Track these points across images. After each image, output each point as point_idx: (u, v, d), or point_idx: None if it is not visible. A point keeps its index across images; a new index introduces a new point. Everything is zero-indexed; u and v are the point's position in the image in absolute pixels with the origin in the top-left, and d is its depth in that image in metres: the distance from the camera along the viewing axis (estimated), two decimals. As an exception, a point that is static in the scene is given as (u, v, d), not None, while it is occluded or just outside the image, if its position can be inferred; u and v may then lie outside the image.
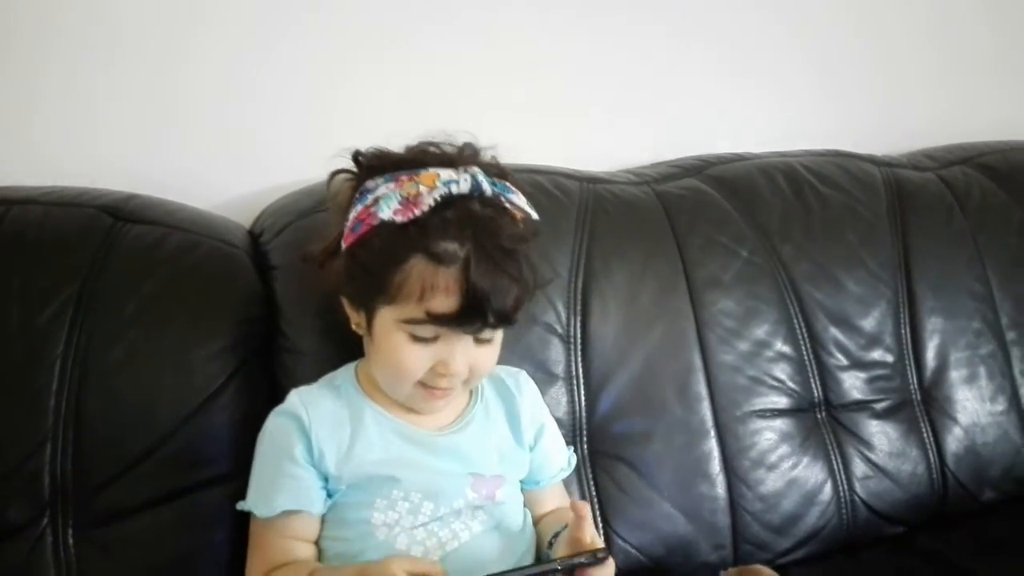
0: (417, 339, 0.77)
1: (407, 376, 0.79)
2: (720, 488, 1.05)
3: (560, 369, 1.02)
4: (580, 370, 1.02)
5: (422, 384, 0.79)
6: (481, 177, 0.77)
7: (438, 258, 0.74)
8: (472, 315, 0.75)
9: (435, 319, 0.75)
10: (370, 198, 0.78)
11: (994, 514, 1.19)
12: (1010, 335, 1.24)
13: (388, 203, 0.76)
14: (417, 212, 0.75)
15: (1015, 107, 1.55)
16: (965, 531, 1.15)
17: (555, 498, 0.93)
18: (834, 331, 1.15)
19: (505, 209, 0.79)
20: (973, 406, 1.20)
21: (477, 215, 0.76)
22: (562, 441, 0.94)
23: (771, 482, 1.08)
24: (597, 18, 1.25)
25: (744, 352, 1.10)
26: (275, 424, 0.82)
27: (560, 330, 1.02)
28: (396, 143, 0.83)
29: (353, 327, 0.83)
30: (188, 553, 0.85)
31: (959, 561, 1.08)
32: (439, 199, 0.75)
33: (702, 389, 1.06)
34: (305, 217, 0.99)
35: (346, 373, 0.86)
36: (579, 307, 1.03)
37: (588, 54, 1.26)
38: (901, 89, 1.47)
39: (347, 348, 0.88)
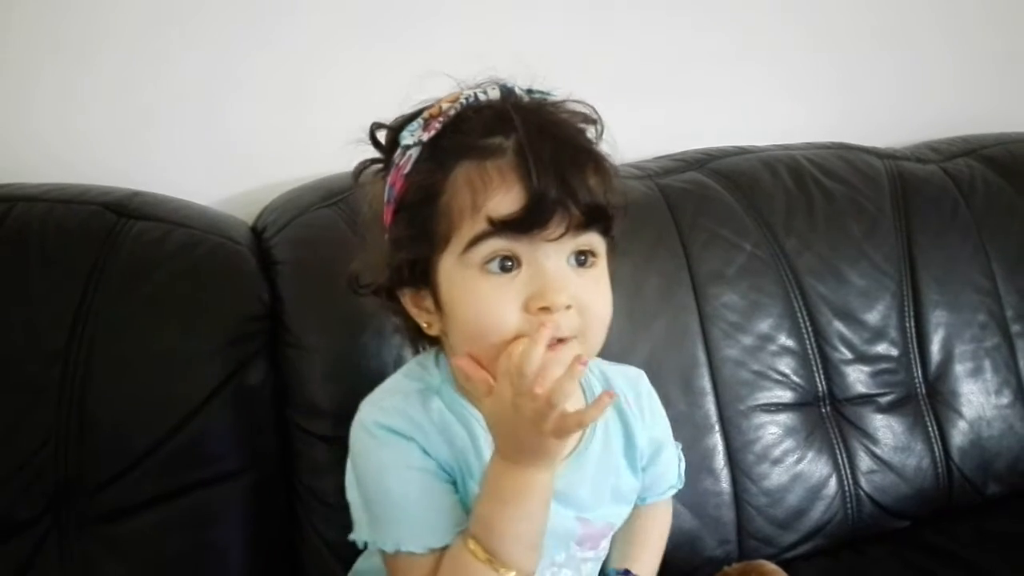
0: (492, 272, 0.59)
1: (497, 328, 0.59)
2: (724, 483, 1.05)
3: (564, 364, 1.02)
4: (584, 365, 1.02)
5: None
6: (513, 84, 0.64)
7: (482, 152, 0.59)
8: (545, 207, 0.57)
9: (500, 226, 0.58)
10: (397, 159, 0.65)
11: (999, 508, 1.18)
12: (1015, 328, 1.24)
13: (411, 131, 0.63)
14: (442, 120, 0.62)
15: (1019, 100, 1.55)
16: (970, 525, 1.15)
17: (663, 515, 0.82)
18: (838, 325, 1.15)
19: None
20: (978, 399, 1.19)
21: (518, 103, 0.62)
22: (675, 454, 0.81)
23: (776, 477, 1.07)
24: (597, 10, 1.25)
25: (748, 346, 1.09)
26: (388, 441, 0.63)
27: (563, 325, 1.02)
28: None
29: (424, 328, 0.67)
30: (193, 550, 0.85)
31: (965, 555, 1.07)
32: (466, 102, 0.62)
33: (706, 383, 1.06)
34: (308, 212, 0.99)
35: (441, 372, 0.68)
36: (582, 302, 1.03)
37: (588, 48, 1.25)
38: (904, 80, 1.47)
39: (353, 344, 0.89)
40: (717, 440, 1.06)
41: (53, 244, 0.88)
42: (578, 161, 0.60)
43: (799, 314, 1.13)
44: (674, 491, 0.81)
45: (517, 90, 0.64)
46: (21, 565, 0.81)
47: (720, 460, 1.05)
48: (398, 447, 0.63)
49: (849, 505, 1.11)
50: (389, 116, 0.72)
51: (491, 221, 0.58)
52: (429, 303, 0.65)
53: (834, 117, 1.40)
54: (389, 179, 0.66)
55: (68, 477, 0.83)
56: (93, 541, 0.83)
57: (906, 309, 1.19)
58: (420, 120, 0.64)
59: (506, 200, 0.58)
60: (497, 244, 0.59)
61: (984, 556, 1.07)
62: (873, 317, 1.17)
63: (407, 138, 0.63)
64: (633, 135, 1.26)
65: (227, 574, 0.85)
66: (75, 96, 1.03)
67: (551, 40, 1.23)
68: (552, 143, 0.59)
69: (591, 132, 0.65)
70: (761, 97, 1.37)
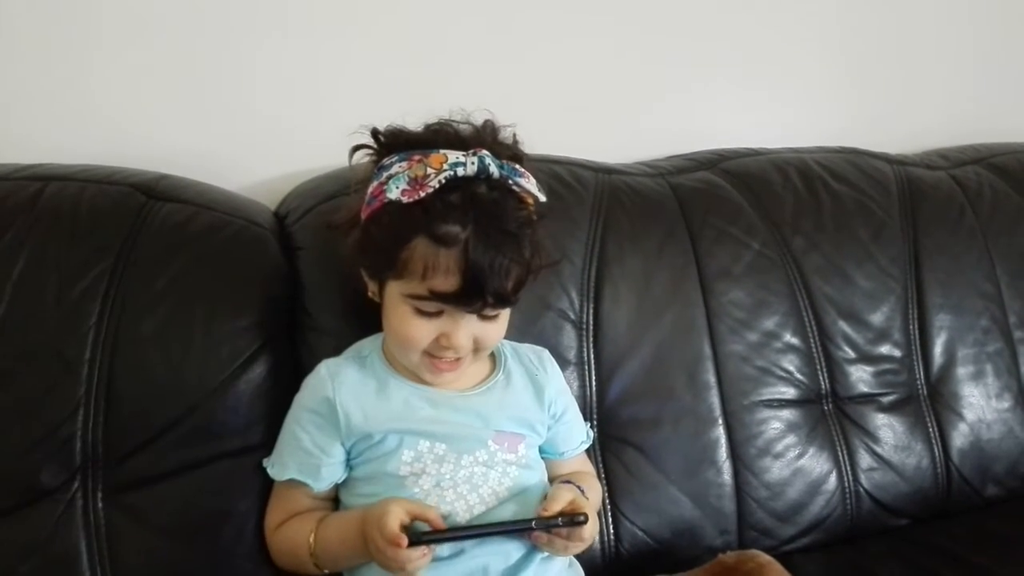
0: (422, 313, 0.81)
1: (412, 346, 0.82)
2: (726, 475, 1.07)
3: (572, 354, 1.04)
4: (592, 355, 1.05)
5: (428, 354, 0.83)
6: (489, 160, 0.79)
7: (440, 239, 0.77)
8: (471, 295, 0.78)
9: (437, 297, 0.79)
10: (384, 175, 0.81)
11: (997, 510, 1.20)
12: (1018, 334, 1.26)
13: (397, 184, 0.79)
14: (422, 194, 0.78)
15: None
16: (969, 525, 1.16)
17: (578, 466, 0.96)
18: (843, 324, 1.17)
19: (511, 192, 0.81)
20: (979, 402, 1.21)
21: (481, 198, 0.79)
22: (581, 418, 0.98)
23: (777, 471, 1.10)
24: (617, 12, 1.27)
25: (753, 342, 1.11)
26: (303, 396, 0.87)
27: (573, 316, 1.05)
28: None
29: (370, 295, 0.87)
30: (212, 519, 0.88)
31: (963, 553, 1.09)
32: (444, 181, 0.78)
33: (711, 377, 1.08)
34: (328, 201, 1.02)
35: (373, 344, 0.90)
36: (592, 294, 1.06)
37: (608, 49, 1.28)
38: (916, 88, 1.49)
39: (369, 328, 0.91)
40: (720, 433, 1.08)
41: (86, 222, 0.91)
42: (503, 268, 0.79)
43: (804, 313, 1.15)
44: (585, 446, 0.97)
45: (491, 167, 0.79)
46: (47, 529, 0.84)
47: (723, 452, 1.08)
48: (308, 394, 0.86)
49: (848, 501, 1.13)
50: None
51: (431, 292, 0.79)
52: (376, 289, 0.86)
53: (845, 122, 1.42)
54: (374, 189, 0.83)
55: (94, 446, 0.86)
56: (117, 508, 0.86)
57: (910, 311, 1.21)
58: (407, 177, 0.79)
59: (446, 282, 0.78)
60: (430, 304, 0.80)
61: (982, 555, 1.08)
62: (877, 318, 1.19)
63: (392, 190, 0.79)
64: (648, 135, 1.31)
65: (245, 542, 0.88)
66: (109, 83, 1.06)
67: (575, 46, 1.25)
68: (491, 249, 0.78)
69: (532, 209, 0.83)
70: (773, 101, 1.39)
